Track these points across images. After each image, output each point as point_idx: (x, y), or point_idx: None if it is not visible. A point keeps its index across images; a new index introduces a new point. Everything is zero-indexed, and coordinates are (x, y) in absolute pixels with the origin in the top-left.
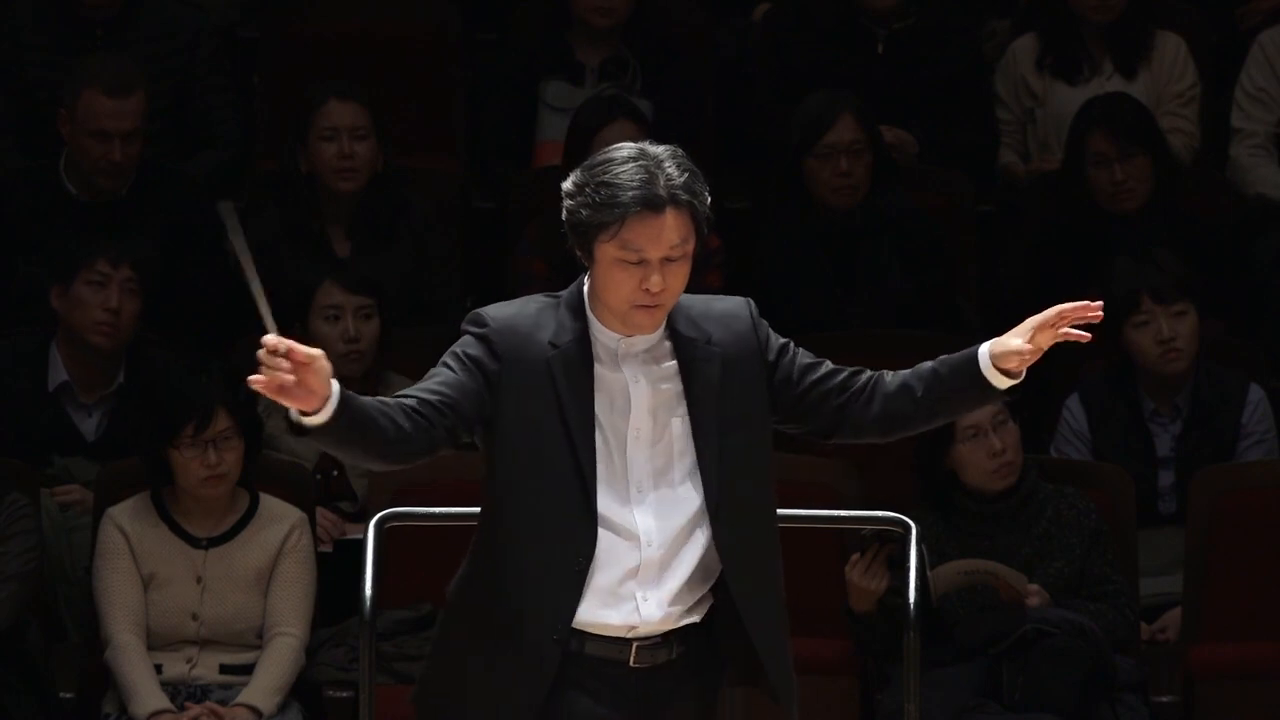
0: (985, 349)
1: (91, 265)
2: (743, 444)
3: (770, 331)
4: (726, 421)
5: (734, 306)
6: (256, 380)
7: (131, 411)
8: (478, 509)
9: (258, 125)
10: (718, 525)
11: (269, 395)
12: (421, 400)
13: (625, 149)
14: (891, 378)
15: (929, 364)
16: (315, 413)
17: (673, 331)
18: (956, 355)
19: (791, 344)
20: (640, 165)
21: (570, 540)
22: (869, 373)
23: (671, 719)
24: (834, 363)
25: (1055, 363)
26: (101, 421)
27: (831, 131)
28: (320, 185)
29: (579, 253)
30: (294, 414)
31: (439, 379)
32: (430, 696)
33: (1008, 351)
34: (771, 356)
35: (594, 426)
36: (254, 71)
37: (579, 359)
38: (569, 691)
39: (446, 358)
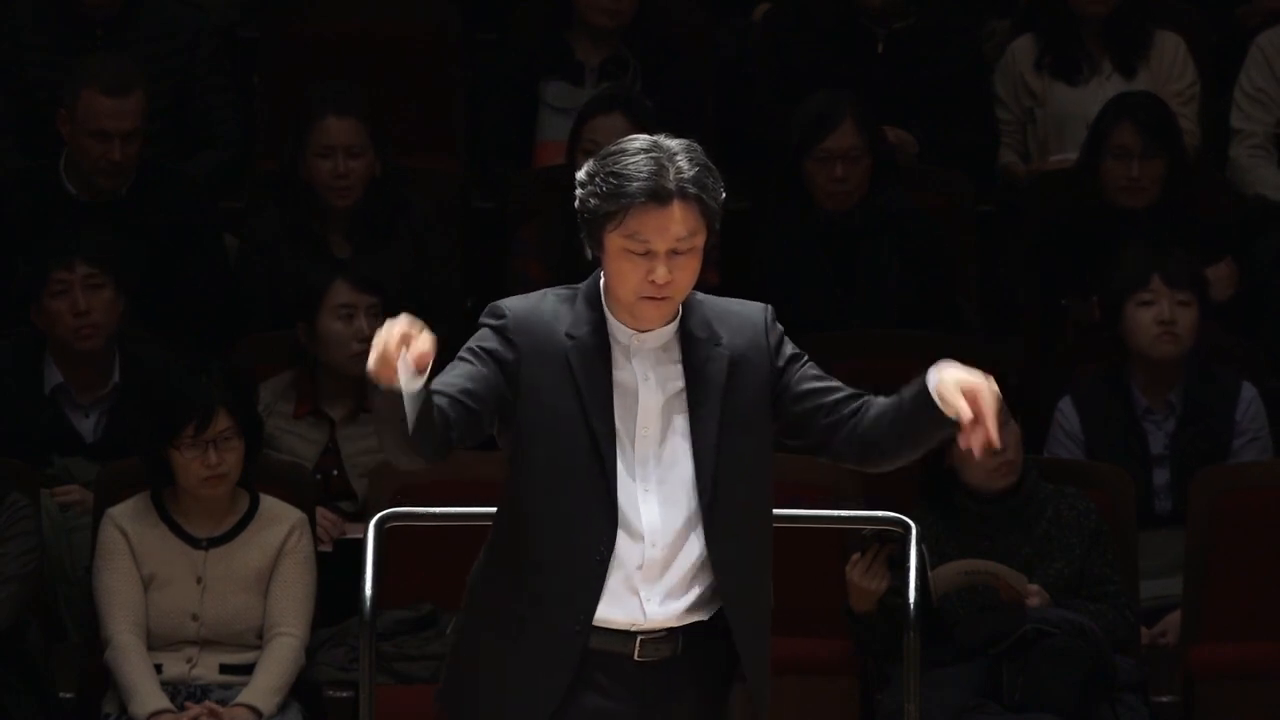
0: (932, 377)
1: (49, 278)
2: (741, 449)
3: (785, 340)
4: (727, 426)
5: (750, 310)
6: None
7: (131, 411)
8: (478, 509)
9: (258, 125)
10: (710, 530)
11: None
12: (453, 396)
13: (639, 140)
14: (875, 405)
15: (900, 393)
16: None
17: (684, 331)
18: (916, 381)
19: (805, 356)
20: (651, 157)
21: (591, 531)
22: (868, 398)
23: (675, 714)
24: (835, 362)
25: (1048, 365)
26: (100, 422)
27: (830, 137)
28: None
29: (589, 243)
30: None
31: (459, 372)
32: (454, 690)
33: (943, 387)
34: (780, 363)
35: (613, 418)
36: (254, 71)
37: (596, 351)
38: (574, 685)
39: (464, 352)
